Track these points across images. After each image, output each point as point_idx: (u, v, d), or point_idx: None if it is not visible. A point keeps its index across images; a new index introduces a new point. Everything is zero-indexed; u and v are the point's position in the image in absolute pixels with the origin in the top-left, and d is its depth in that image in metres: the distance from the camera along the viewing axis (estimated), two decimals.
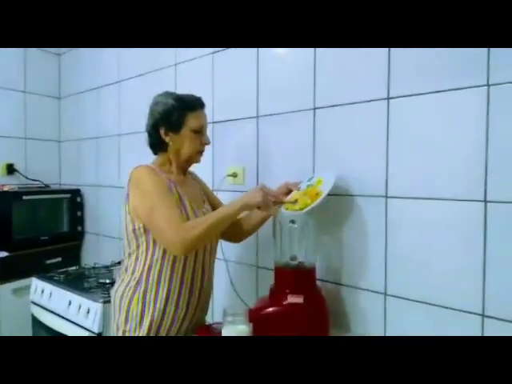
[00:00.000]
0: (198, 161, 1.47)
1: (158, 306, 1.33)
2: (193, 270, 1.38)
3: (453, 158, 1.20)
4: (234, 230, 1.54)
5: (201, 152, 1.45)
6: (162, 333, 1.35)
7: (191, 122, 1.39)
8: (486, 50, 1.13)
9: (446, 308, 1.22)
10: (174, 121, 1.38)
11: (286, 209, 1.31)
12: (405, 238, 1.30)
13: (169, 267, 1.33)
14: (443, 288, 1.22)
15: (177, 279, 1.34)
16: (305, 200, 1.29)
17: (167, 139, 1.40)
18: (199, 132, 1.41)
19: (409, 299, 1.29)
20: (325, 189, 1.29)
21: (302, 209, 1.27)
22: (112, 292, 1.46)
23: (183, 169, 1.48)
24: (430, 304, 1.25)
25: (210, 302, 1.53)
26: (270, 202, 1.28)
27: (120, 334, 1.37)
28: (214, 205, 1.54)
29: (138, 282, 1.35)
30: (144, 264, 1.34)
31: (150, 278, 1.33)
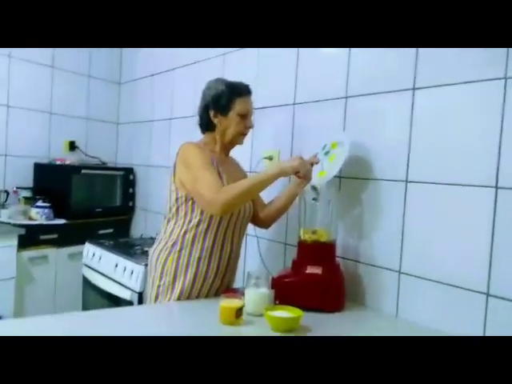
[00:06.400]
0: (240, 142, 1.61)
1: (190, 265, 1.50)
2: (223, 237, 1.53)
3: (470, 146, 1.27)
4: (263, 214, 1.68)
5: (244, 134, 1.59)
6: (195, 291, 1.51)
7: (238, 106, 1.53)
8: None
9: (455, 287, 1.29)
10: (223, 104, 1.52)
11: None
12: (420, 221, 1.38)
13: (202, 233, 1.50)
14: (453, 268, 1.30)
15: (209, 244, 1.50)
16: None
17: (215, 120, 1.55)
18: (245, 116, 1.55)
19: (421, 277, 1.37)
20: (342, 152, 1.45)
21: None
22: (150, 251, 1.64)
23: (226, 149, 1.63)
24: (440, 282, 1.32)
25: (240, 274, 1.68)
26: (309, 166, 1.43)
27: (155, 289, 1.55)
28: None
29: (174, 243, 1.52)
30: (181, 228, 1.51)
31: (185, 241, 1.50)
